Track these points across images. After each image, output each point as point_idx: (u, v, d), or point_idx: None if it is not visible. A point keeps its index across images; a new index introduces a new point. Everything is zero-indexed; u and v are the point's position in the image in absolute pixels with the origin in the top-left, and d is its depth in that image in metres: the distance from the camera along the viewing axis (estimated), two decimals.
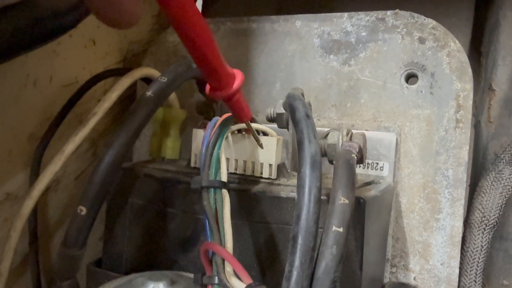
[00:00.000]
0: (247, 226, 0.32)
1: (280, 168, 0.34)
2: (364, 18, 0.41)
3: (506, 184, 0.40)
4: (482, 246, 0.39)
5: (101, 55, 0.45)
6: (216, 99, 0.26)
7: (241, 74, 0.26)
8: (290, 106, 0.30)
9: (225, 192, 0.28)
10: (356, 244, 0.29)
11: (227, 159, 0.33)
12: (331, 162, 0.33)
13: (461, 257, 0.38)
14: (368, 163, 0.39)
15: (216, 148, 0.29)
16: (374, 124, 0.40)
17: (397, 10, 0.40)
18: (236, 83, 0.26)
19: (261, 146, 0.33)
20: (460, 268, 0.39)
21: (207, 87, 0.26)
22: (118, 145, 0.30)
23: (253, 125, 0.34)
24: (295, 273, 0.22)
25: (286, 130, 0.36)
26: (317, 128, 0.28)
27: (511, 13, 0.45)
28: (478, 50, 0.50)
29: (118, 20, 0.19)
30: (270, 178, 0.33)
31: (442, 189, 0.38)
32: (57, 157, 0.36)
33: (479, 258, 0.39)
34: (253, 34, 0.45)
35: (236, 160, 0.34)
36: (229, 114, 0.31)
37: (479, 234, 0.40)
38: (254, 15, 0.46)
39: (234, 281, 0.25)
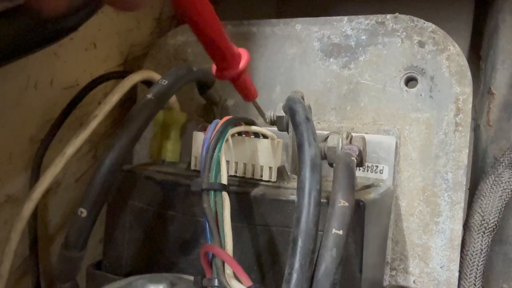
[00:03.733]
0: (247, 229, 0.32)
1: (280, 171, 0.34)
2: (364, 21, 0.41)
3: (505, 187, 0.40)
4: (482, 250, 0.39)
5: (102, 58, 0.45)
6: (223, 79, 0.26)
7: (247, 53, 0.26)
8: (290, 109, 0.30)
9: (225, 194, 0.28)
10: (356, 247, 0.29)
11: (227, 162, 0.34)
12: (331, 165, 0.33)
13: (460, 261, 0.38)
14: (367, 166, 0.39)
15: (216, 150, 0.29)
16: (374, 127, 0.40)
17: (396, 14, 0.40)
18: (243, 63, 0.26)
19: (265, 120, 0.33)
20: (460, 272, 0.39)
21: (214, 67, 0.26)
22: (118, 147, 0.30)
23: (253, 127, 0.34)
24: (295, 276, 0.22)
25: (286, 133, 0.36)
26: (317, 131, 0.28)
27: (510, 18, 0.45)
28: (477, 54, 0.50)
29: (125, 2, 0.19)
30: (270, 181, 0.33)
31: (441, 192, 0.38)
32: (57, 160, 0.36)
33: (478, 262, 0.39)
34: (254, 37, 0.45)
35: (236, 163, 0.34)
36: (229, 117, 0.31)
37: (478, 238, 0.40)
38: (254, 18, 0.46)
39: (234, 283, 0.25)
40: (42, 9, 0.18)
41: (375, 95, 0.40)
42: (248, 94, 0.28)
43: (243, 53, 0.26)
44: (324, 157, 0.33)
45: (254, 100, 0.30)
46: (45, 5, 0.18)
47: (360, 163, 0.31)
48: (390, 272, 0.39)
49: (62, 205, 0.46)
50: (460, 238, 0.37)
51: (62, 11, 0.19)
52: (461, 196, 0.37)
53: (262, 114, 0.32)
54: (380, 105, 0.40)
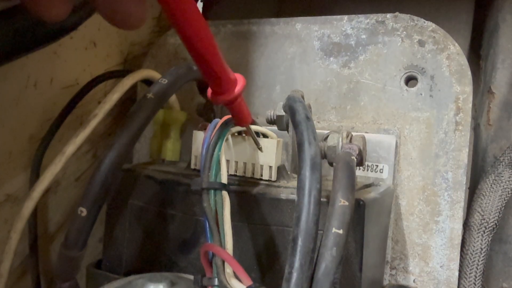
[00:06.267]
0: (247, 228, 0.32)
1: (280, 170, 0.34)
2: (364, 21, 0.41)
3: (505, 186, 0.40)
4: (482, 249, 0.39)
5: (101, 57, 0.45)
6: (217, 104, 0.27)
7: (243, 79, 0.26)
8: (290, 108, 0.30)
9: (225, 193, 0.28)
10: (356, 246, 0.30)
11: (227, 161, 0.34)
12: (331, 164, 0.33)
13: (460, 260, 0.38)
14: (367, 166, 0.39)
15: (216, 150, 0.29)
16: (374, 126, 0.40)
17: (396, 13, 0.40)
18: (238, 88, 0.26)
19: (260, 149, 0.33)
20: (460, 271, 0.39)
21: (209, 91, 0.26)
22: (118, 146, 0.30)
23: (253, 127, 0.34)
24: (295, 275, 0.22)
25: (286, 132, 0.36)
26: (317, 130, 0.28)
27: (510, 17, 0.45)
28: (478, 53, 0.50)
29: (124, 22, 0.19)
30: (270, 180, 0.33)
31: (441, 192, 0.38)
32: (57, 159, 0.36)
33: (478, 261, 0.39)
34: (254, 36, 0.45)
35: (236, 162, 0.34)
36: (229, 116, 0.31)
37: (478, 237, 0.40)
38: (254, 17, 0.46)
39: (234, 282, 0.25)
40: (43, 17, 0.18)
41: (375, 94, 0.40)
42: (241, 119, 0.29)
43: (239, 78, 0.26)
44: (324, 156, 0.33)
45: (248, 126, 0.30)
46: (46, 13, 0.18)
47: (360, 162, 0.31)
48: (390, 271, 0.39)
49: (62, 204, 0.46)
50: (460, 237, 0.37)
51: (64, 18, 0.19)
52: (461, 195, 0.37)
53: (256, 140, 0.32)
54: (380, 104, 0.40)
